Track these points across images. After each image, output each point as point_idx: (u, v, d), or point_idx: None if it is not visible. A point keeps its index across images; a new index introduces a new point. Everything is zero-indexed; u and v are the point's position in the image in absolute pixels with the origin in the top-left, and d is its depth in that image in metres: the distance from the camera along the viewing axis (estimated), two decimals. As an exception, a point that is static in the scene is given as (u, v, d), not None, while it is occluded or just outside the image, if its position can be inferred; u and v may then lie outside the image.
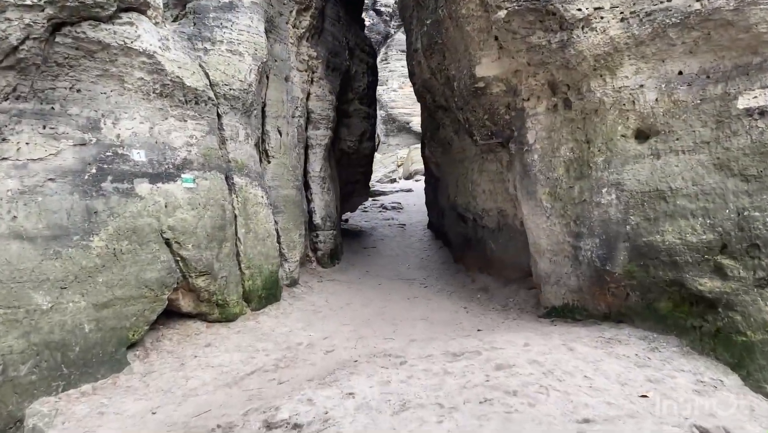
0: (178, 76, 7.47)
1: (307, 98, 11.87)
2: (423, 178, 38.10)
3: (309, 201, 11.83)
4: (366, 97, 15.41)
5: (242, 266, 7.85)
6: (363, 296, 9.37)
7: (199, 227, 7.25)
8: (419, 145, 43.97)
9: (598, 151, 6.24)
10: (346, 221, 20.03)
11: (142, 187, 6.90)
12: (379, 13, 47.36)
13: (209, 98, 8.02)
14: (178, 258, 6.99)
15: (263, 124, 9.86)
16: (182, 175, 7.49)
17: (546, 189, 6.94)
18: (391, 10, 50.09)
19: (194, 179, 7.56)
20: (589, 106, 6.39)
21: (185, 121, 7.72)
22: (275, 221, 9.29)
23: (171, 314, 7.15)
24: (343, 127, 14.75)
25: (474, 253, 10.44)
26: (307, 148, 11.97)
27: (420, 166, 40.24)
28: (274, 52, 10.24)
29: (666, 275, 5.43)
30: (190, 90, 7.66)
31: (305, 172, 11.98)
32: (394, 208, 24.53)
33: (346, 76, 14.42)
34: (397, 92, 45.78)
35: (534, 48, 6.57)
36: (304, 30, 11.34)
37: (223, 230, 7.59)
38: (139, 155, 7.18)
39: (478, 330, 6.88)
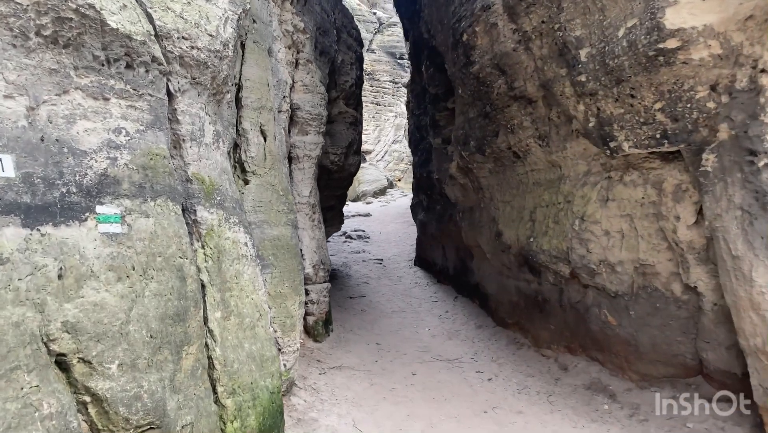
0: (91, 5, 3.68)
1: (291, 89, 8.11)
2: (374, 200, 34.86)
3: (294, 241, 8.02)
4: (353, 98, 11.83)
5: (220, 390, 4.01)
6: (406, 405, 5.76)
7: (135, 321, 3.46)
8: (365, 165, 40.66)
9: None
10: (310, 256, 16.16)
11: (5, 235, 3.06)
12: (319, 21, 43.60)
13: (154, 59, 4.27)
14: (87, 397, 3.16)
15: (238, 120, 6.06)
16: (98, 209, 3.68)
17: (834, 242, 3.55)
18: (331, 20, 46.49)
19: (122, 216, 3.73)
20: None
21: (106, 99, 3.96)
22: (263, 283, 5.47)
23: None
24: (324, 136, 11.00)
25: (553, 321, 7.02)
26: (290, 161, 8.20)
27: (369, 187, 36.99)
28: (252, 7, 6.51)
29: None
30: (117, 39, 3.92)
31: None
32: (359, 237, 20.89)
33: (332, 68, 10.77)
34: (337, 108, 42.19)
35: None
36: (289, -15, 7.65)
37: (182, 321, 3.80)
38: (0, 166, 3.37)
39: None
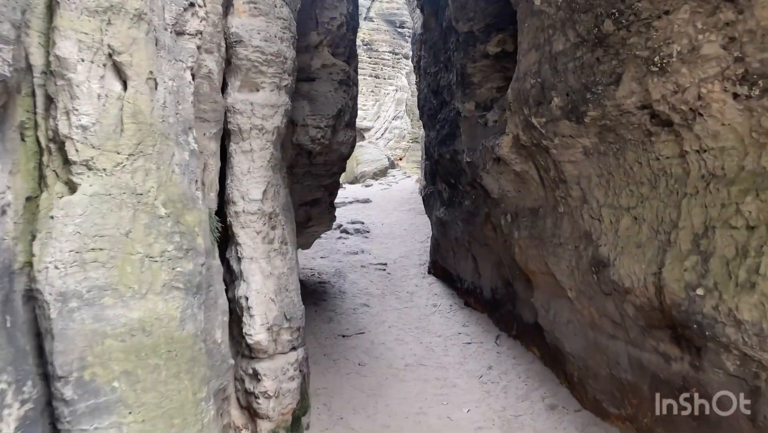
0: None
1: (228, 10, 4.47)
2: (374, 183, 31.10)
3: (231, 282, 4.51)
4: (344, 44, 8.21)
5: None
6: None
7: None
8: (363, 143, 36.89)
9: None
10: (293, 261, 12.57)
11: None
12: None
13: None
14: None
15: (50, 39, 2.34)
16: None
17: None
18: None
19: None
20: None
21: None
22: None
23: None
24: (301, 99, 7.39)
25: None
26: (226, 137, 4.58)
27: (368, 168, 33.20)
28: None
29: None
30: None
31: (224, 202, 4.62)
32: (357, 231, 17.26)
33: (309, -6, 7.13)
34: (332, 80, 38.70)
35: None
36: None
37: None
38: None
39: None
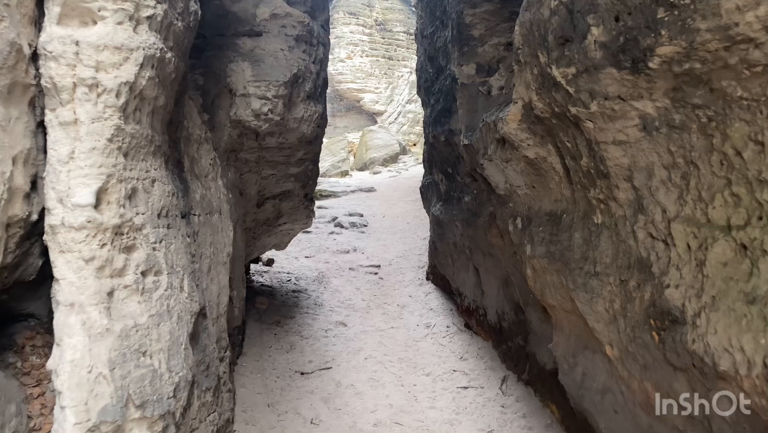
0: None
1: None
2: (383, 170, 29.16)
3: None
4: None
5: None
6: None
7: None
8: (375, 128, 34.89)
9: None
10: (271, 262, 10.79)
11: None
12: (320, -35, 37.95)
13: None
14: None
15: None
16: None
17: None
18: (334, -36, 40.96)
19: None
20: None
21: None
22: None
23: None
24: (240, 60, 5.52)
25: None
26: (39, 98, 2.68)
27: (378, 153, 31.28)
28: None
29: None
30: None
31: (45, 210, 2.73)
32: (354, 225, 15.36)
33: None
34: (344, 63, 37.50)
35: None
36: None
37: None
38: None
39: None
